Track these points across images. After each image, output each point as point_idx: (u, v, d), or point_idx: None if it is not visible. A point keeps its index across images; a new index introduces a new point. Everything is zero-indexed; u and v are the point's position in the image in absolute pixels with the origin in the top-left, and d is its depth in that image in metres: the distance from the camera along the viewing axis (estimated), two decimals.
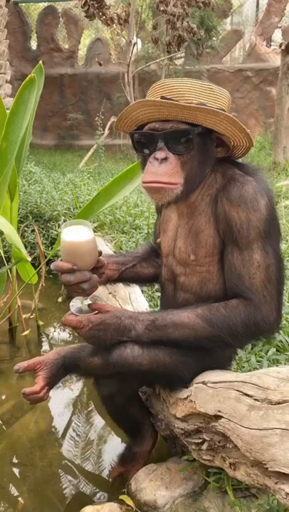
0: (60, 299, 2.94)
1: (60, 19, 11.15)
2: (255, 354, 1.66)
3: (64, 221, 3.16)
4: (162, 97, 1.07)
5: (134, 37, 4.21)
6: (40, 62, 2.32)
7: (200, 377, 1.18)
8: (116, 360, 1.24)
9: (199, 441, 1.16)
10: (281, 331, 1.73)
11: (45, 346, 2.54)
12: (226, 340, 1.12)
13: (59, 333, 2.72)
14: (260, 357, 1.66)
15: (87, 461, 1.67)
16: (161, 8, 5.23)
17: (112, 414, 1.50)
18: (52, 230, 3.28)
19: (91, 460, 1.68)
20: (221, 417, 0.96)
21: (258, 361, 1.57)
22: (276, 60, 10.19)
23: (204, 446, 1.11)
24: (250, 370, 1.52)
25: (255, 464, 0.87)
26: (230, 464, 1.07)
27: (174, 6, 5.53)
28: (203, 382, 1.10)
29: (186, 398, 1.18)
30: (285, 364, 1.55)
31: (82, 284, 1.17)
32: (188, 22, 5.64)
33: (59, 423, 1.88)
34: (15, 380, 2.17)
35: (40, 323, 2.62)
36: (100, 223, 2.99)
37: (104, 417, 1.87)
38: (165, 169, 1.09)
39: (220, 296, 1.22)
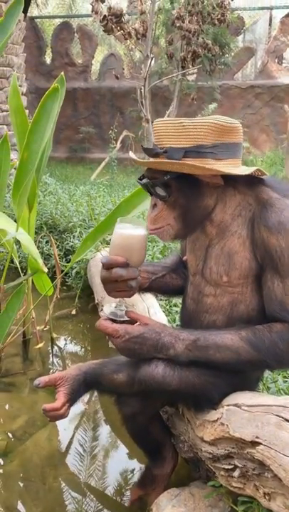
0: (73, 312, 2.89)
1: (75, 34, 11.31)
2: (280, 374, 1.60)
3: (80, 233, 3.13)
4: (142, 147, 1.14)
5: (149, 52, 4.25)
6: (62, 73, 2.31)
7: (231, 399, 1.12)
8: (144, 378, 1.19)
9: (230, 467, 1.09)
10: None
11: (59, 360, 2.48)
12: (271, 366, 1.07)
13: (73, 346, 2.67)
14: (285, 377, 1.59)
15: (103, 483, 1.61)
16: (177, 24, 5.28)
17: (133, 434, 1.44)
18: (67, 241, 3.25)
19: (107, 482, 1.61)
20: (259, 443, 0.90)
21: (284, 381, 1.51)
22: (287, 78, 10.25)
23: (236, 474, 1.05)
24: (277, 391, 1.46)
25: None
26: (264, 493, 1.00)
27: (189, 22, 5.58)
28: (236, 405, 1.04)
29: (215, 421, 1.12)
30: None
31: (132, 281, 1.14)
32: (203, 38, 5.69)
33: (73, 441, 1.82)
34: (27, 394, 2.11)
35: (54, 335, 2.57)
36: (105, 235, 2.95)
37: (120, 436, 1.81)
38: (153, 215, 1.14)
39: (252, 318, 1.17)
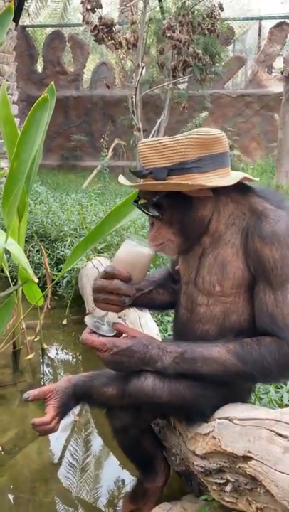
0: (64, 321, 2.87)
1: (67, 43, 11.37)
2: (272, 385, 1.59)
3: (71, 242, 3.11)
4: (130, 170, 1.19)
5: (140, 61, 4.28)
6: (52, 83, 2.31)
7: (222, 412, 1.11)
8: (133, 391, 1.17)
9: (222, 481, 1.08)
10: None
11: (50, 371, 2.45)
12: (257, 379, 1.07)
13: (64, 357, 2.63)
14: (277, 388, 1.58)
15: (94, 497, 1.58)
16: (168, 34, 5.32)
17: (124, 447, 1.41)
18: (58, 250, 3.23)
19: (99, 495, 1.58)
20: (251, 458, 0.89)
21: (276, 391, 1.50)
22: (277, 87, 10.36)
23: (228, 488, 1.04)
24: (269, 402, 1.45)
25: None
26: (257, 508, 0.99)
27: (180, 32, 5.63)
28: (228, 418, 1.03)
29: (207, 434, 1.11)
30: None
31: (126, 297, 1.14)
32: (193, 48, 5.74)
33: (64, 454, 1.79)
34: (18, 406, 2.08)
35: (45, 346, 2.54)
36: (106, 244, 2.94)
37: (111, 448, 1.78)
38: (152, 233, 1.17)
39: (244, 328, 1.16)
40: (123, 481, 1.66)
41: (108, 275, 1.15)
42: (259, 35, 11.53)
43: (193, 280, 1.23)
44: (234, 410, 1.07)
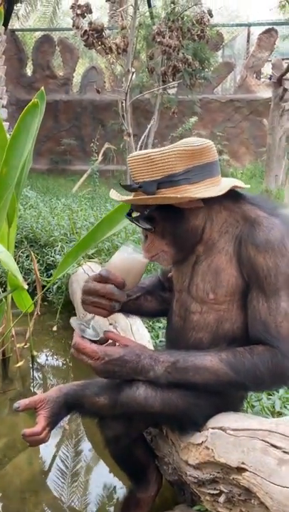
0: (54, 328, 2.84)
1: (56, 47, 11.35)
2: (263, 392, 1.58)
3: (61, 247, 3.09)
4: (120, 184, 1.20)
5: (130, 66, 4.28)
6: (42, 88, 2.29)
7: (215, 422, 1.10)
8: (126, 400, 1.16)
9: (215, 492, 1.07)
10: None
11: (40, 378, 2.42)
12: (249, 388, 1.06)
13: (54, 364, 2.61)
14: (270, 395, 1.58)
15: (84, 506, 1.56)
16: (158, 40, 5.34)
17: (116, 457, 1.39)
18: (48, 255, 3.21)
19: (90, 506, 1.56)
20: (244, 469, 0.88)
21: (268, 398, 1.49)
22: (266, 92, 10.46)
23: (221, 499, 1.02)
24: (261, 410, 1.44)
25: None
26: None
27: (169, 37, 5.64)
28: (222, 428, 1.02)
29: (200, 444, 1.10)
30: None
31: (117, 303, 1.14)
32: (183, 53, 5.76)
33: (54, 465, 1.76)
34: (7, 415, 2.05)
35: (35, 353, 2.51)
36: (97, 249, 2.92)
37: (102, 457, 1.77)
38: (146, 245, 1.17)
39: (237, 336, 1.16)
40: (114, 488, 1.64)
41: (102, 279, 1.14)
42: (248, 41, 11.64)
43: (187, 288, 1.22)
44: (227, 420, 1.07)
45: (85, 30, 3.76)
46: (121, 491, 1.60)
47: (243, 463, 0.88)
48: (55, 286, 2.96)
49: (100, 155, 8.61)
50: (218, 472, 1.02)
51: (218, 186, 1.13)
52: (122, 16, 5.71)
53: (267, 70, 11.53)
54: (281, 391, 1.50)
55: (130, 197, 1.14)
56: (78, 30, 3.81)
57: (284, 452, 0.82)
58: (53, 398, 1.31)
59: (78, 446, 1.88)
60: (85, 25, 3.93)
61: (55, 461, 1.77)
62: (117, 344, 1.19)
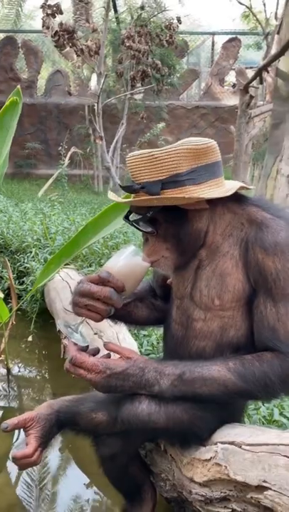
0: (30, 338, 2.71)
1: (20, 50, 11.13)
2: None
3: (36, 253, 2.97)
4: (120, 185, 1.13)
5: (102, 69, 4.22)
6: (18, 86, 2.19)
7: (223, 436, 1.05)
8: (127, 417, 1.09)
9: (226, 510, 1.01)
10: None
11: (14, 391, 2.29)
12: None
13: (29, 375, 2.48)
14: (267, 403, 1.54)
15: None
16: (128, 44, 5.31)
17: (111, 476, 1.31)
18: (20, 262, 3.07)
19: None
20: (267, 488, 0.83)
21: (266, 408, 1.46)
22: (230, 100, 10.68)
23: None
24: (259, 419, 1.41)
25: None
26: None
27: (138, 42, 5.64)
28: (234, 444, 0.97)
29: (208, 460, 1.04)
30: None
31: (112, 308, 1.08)
32: (152, 58, 5.78)
33: (20, 476, 1.65)
34: None
35: (10, 365, 2.38)
36: (74, 256, 2.82)
37: (89, 476, 1.68)
38: (146, 249, 1.11)
39: (242, 344, 1.11)
40: (105, 509, 1.56)
41: (101, 281, 1.07)
42: (212, 49, 11.86)
43: (189, 294, 1.16)
44: (236, 433, 1.01)
45: (56, 31, 3.67)
46: (94, 501, 1.52)
47: (264, 481, 0.83)
48: (29, 294, 2.83)
49: (67, 159, 8.48)
50: (231, 490, 0.97)
51: (223, 187, 1.08)
52: (87, 20, 5.64)
53: (231, 78, 11.79)
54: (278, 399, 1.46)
55: (134, 198, 1.07)
56: (49, 31, 3.71)
57: None
58: (43, 416, 1.21)
59: (64, 463, 1.78)
60: (56, 26, 3.83)
61: (22, 474, 1.67)
62: (118, 356, 1.11)
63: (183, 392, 1.05)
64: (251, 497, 0.88)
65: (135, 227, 1.11)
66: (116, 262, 1.10)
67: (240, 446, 0.94)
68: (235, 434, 1.02)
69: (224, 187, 1.09)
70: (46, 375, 2.51)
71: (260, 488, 0.85)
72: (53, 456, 1.79)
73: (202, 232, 1.11)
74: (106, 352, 1.16)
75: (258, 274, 1.04)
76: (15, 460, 1.14)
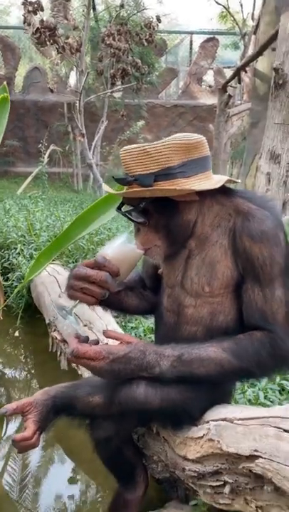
0: (16, 333, 2.73)
1: None
2: (247, 384, 1.62)
3: (21, 249, 2.98)
4: (114, 178, 1.15)
5: (84, 67, 4.24)
6: (5, 83, 2.21)
7: (215, 414, 1.11)
8: (124, 399, 1.14)
9: (218, 483, 1.08)
10: None
11: (2, 389, 2.31)
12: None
13: (16, 372, 2.49)
14: (253, 386, 1.61)
15: None
16: (108, 42, 5.34)
17: (105, 459, 1.36)
18: (4, 258, 3.08)
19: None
20: (258, 457, 0.90)
21: (253, 391, 1.53)
22: (208, 99, 10.82)
23: (226, 490, 1.03)
24: (245, 403, 1.48)
25: None
26: (257, 507, 1.00)
27: (118, 40, 5.67)
28: (226, 419, 1.03)
29: (201, 437, 1.10)
30: (278, 393, 1.54)
31: (107, 292, 1.13)
32: (132, 57, 5.82)
33: (29, 473, 1.69)
34: None
35: None
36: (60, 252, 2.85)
37: (80, 464, 1.72)
38: (139, 239, 1.16)
39: (231, 328, 1.17)
40: (96, 495, 1.61)
41: (97, 265, 1.12)
42: (190, 48, 11.97)
43: (180, 282, 1.22)
44: (227, 411, 1.08)
45: (37, 28, 3.67)
46: (80, 497, 1.56)
47: (255, 450, 0.90)
48: (15, 290, 2.85)
49: (46, 157, 8.44)
50: (223, 463, 1.03)
51: (212, 180, 1.14)
52: (66, 17, 5.63)
53: (209, 77, 11.92)
54: (263, 382, 1.54)
55: (127, 190, 1.12)
56: (30, 27, 3.70)
57: None
58: (40, 401, 1.26)
59: (51, 452, 1.81)
60: (37, 23, 3.83)
61: (29, 470, 1.70)
62: (118, 343, 1.16)
63: (182, 373, 1.10)
64: (243, 467, 0.95)
65: (128, 217, 1.16)
66: (111, 249, 1.15)
67: (232, 422, 1.00)
68: (227, 412, 1.08)
69: (213, 180, 1.16)
70: (33, 371, 2.53)
71: (252, 458, 0.91)
72: (46, 445, 1.82)
73: (191, 223, 1.17)
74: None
75: (245, 260, 1.11)
76: (14, 443, 1.18)
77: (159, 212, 1.13)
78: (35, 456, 1.78)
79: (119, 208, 1.19)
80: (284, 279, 1.09)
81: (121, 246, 1.14)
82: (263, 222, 1.09)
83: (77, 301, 1.18)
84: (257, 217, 1.10)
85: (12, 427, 1.91)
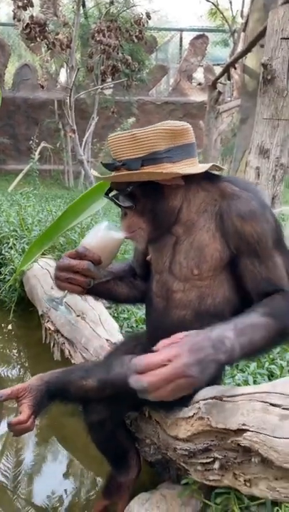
0: (10, 327, 2.75)
1: None
2: (236, 369, 1.66)
3: (13, 243, 3.00)
4: (102, 163, 1.18)
5: (74, 63, 4.24)
6: None
7: (205, 394, 1.14)
8: (117, 380, 1.17)
9: (208, 460, 1.11)
10: None
11: None
12: None
13: (8, 365, 2.51)
14: (242, 372, 1.65)
15: (61, 503, 1.53)
16: (98, 38, 5.35)
17: (99, 442, 1.40)
18: None
19: (67, 500, 1.54)
20: (245, 430, 0.93)
21: (242, 376, 1.57)
22: (198, 96, 10.86)
23: (216, 466, 1.07)
24: (236, 386, 1.52)
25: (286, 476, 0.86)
26: (245, 480, 1.04)
27: (108, 37, 5.68)
28: (215, 398, 1.07)
29: (191, 417, 1.14)
30: (267, 378, 1.58)
31: (92, 280, 1.16)
32: (122, 53, 5.83)
33: (23, 460, 1.72)
34: None
35: None
36: (51, 245, 2.87)
37: (73, 452, 1.75)
38: (125, 223, 1.19)
39: (219, 312, 1.21)
40: (88, 478, 1.64)
41: (78, 255, 1.16)
42: (180, 45, 12.00)
43: (168, 268, 1.25)
44: (217, 391, 1.11)
45: (27, 24, 3.68)
46: (72, 491, 1.58)
47: (243, 424, 0.94)
48: (8, 284, 2.87)
49: (37, 154, 8.43)
50: (212, 440, 1.07)
51: (197, 166, 1.17)
52: (56, 14, 5.64)
53: (199, 74, 11.96)
54: (252, 367, 1.58)
55: (115, 174, 1.15)
56: (20, 23, 3.71)
57: (284, 409, 0.89)
58: (34, 386, 1.29)
59: (19, 449, 1.82)
60: (27, 19, 3.84)
61: (23, 457, 1.73)
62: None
63: (243, 345, 0.95)
64: (231, 441, 0.99)
65: (115, 202, 1.19)
66: (92, 238, 1.18)
67: (221, 399, 1.04)
68: (216, 391, 1.12)
69: (198, 166, 1.19)
70: (26, 363, 2.55)
71: (239, 432, 0.95)
72: (39, 434, 1.85)
73: (176, 209, 1.20)
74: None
75: (238, 240, 1.13)
76: (10, 426, 1.21)
77: (145, 197, 1.16)
78: (29, 444, 1.81)
79: (106, 194, 1.22)
80: (280, 249, 1.13)
81: (101, 234, 1.18)
82: (250, 202, 1.13)
83: (66, 291, 1.21)
84: (242, 197, 1.14)
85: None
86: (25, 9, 3.79)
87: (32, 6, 3.83)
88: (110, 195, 1.21)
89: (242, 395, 0.99)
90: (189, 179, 1.16)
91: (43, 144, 8.77)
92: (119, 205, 1.19)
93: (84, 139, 5.64)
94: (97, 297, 1.52)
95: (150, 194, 1.16)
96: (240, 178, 1.25)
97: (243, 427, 0.94)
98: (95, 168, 8.58)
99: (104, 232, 1.19)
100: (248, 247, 1.12)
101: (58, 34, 4.11)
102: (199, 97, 10.80)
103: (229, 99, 9.63)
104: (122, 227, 1.20)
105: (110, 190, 1.22)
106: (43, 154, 9.42)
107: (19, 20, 3.83)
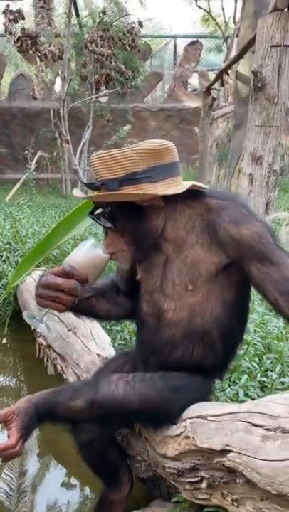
0: (4, 340, 2.74)
1: None
2: (226, 383, 1.65)
3: (7, 257, 3.00)
4: (83, 183, 1.22)
5: (66, 73, 4.26)
6: None
7: (192, 412, 1.14)
8: (104, 400, 1.17)
9: (196, 479, 1.11)
10: (246, 357, 1.75)
11: None
12: None
13: (4, 379, 2.50)
14: (234, 385, 1.64)
15: None
16: (91, 48, 5.38)
17: (89, 462, 1.39)
18: None
19: None
20: (229, 451, 0.93)
21: (231, 388, 1.56)
22: (194, 102, 10.89)
23: (204, 485, 1.07)
24: (226, 400, 1.51)
25: (274, 496, 0.85)
26: (232, 500, 1.03)
27: (101, 46, 5.72)
28: (201, 417, 1.06)
29: (178, 435, 1.13)
30: (259, 390, 1.57)
31: (77, 298, 1.15)
32: (116, 62, 5.86)
33: (15, 475, 1.71)
34: None
35: None
36: (44, 258, 2.87)
37: (67, 467, 1.74)
38: (106, 242, 1.19)
39: (207, 330, 1.21)
40: (82, 496, 1.63)
41: (65, 273, 1.14)
42: (175, 52, 12.06)
43: (159, 287, 1.25)
44: (203, 409, 1.11)
45: (19, 37, 3.70)
46: (88, 495, 1.59)
47: (227, 445, 0.93)
48: (2, 297, 2.86)
49: (33, 163, 8.45)
50: (199, 459, 1.07)
51: (179, 186, 1.17)
52: (50, 24, 5.67)
53: (194, 80, 12.01)
54: (243, 380, 1.58)
55: (94, 194, 1.16)
56: (12, 36, 3.73)
57: (266, 429, 0.88)
58: (23, 409, 1.27)
59: (22, 462, 1.81)
60: (18, 32, 3.86)
61: (15, 473, 1.72)
62: None
63: None
64: (217, 462, 0.98)
65: (96, 221, 1.19)
66: (77, 255, 1.17)
67: (206, 418, 1.04)
68: (202, 409, 1.11)
69: (181, 185, 1.19)
70: (22, 377, 2.54)
71: (224, 452, 0.95)
72: (33, 450, 1.84)
73: (159, 229, 1.20)
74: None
75: (238, 246, 1.12)
76: None
77: (125, 217, 1.16)
78: (22, 461, 1.80)
79: (91, 213, 1.22)
80: (283, 251, 1.13)
81: (87, 252, 1.17)
82: (237, 209, 1.14)
83: (47, 309, 1.20)
84: (229, 207, 1.15)
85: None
86: (16, 22, 3.81)
87: (23, 18, 3.85)
88: (95, 213, 1.21)
89: (226, 414, 0.99)
90: (173, 198, 1.16)
91: (39, 153, 8.79)
92: (101, 225, 1.19)
93: (79, 148, 5.65)
94: (78, 314, 1.49)
95: (129, 214, 1.16)
96: (223, 191, 1.26)
97: (227, 448, 0.93)
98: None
99: (91, 249, 1.18)
100: (252, 251, 1.11)
101: (50, 45, 4.13)
102: (194, 103, 10.82)
103: (224, 104, 9.67)
104: (103, 246, 1.20)
105: (96, 208, 1.22)
106: (40, 163, 9.45)
107: (11, 34, 3.86)
